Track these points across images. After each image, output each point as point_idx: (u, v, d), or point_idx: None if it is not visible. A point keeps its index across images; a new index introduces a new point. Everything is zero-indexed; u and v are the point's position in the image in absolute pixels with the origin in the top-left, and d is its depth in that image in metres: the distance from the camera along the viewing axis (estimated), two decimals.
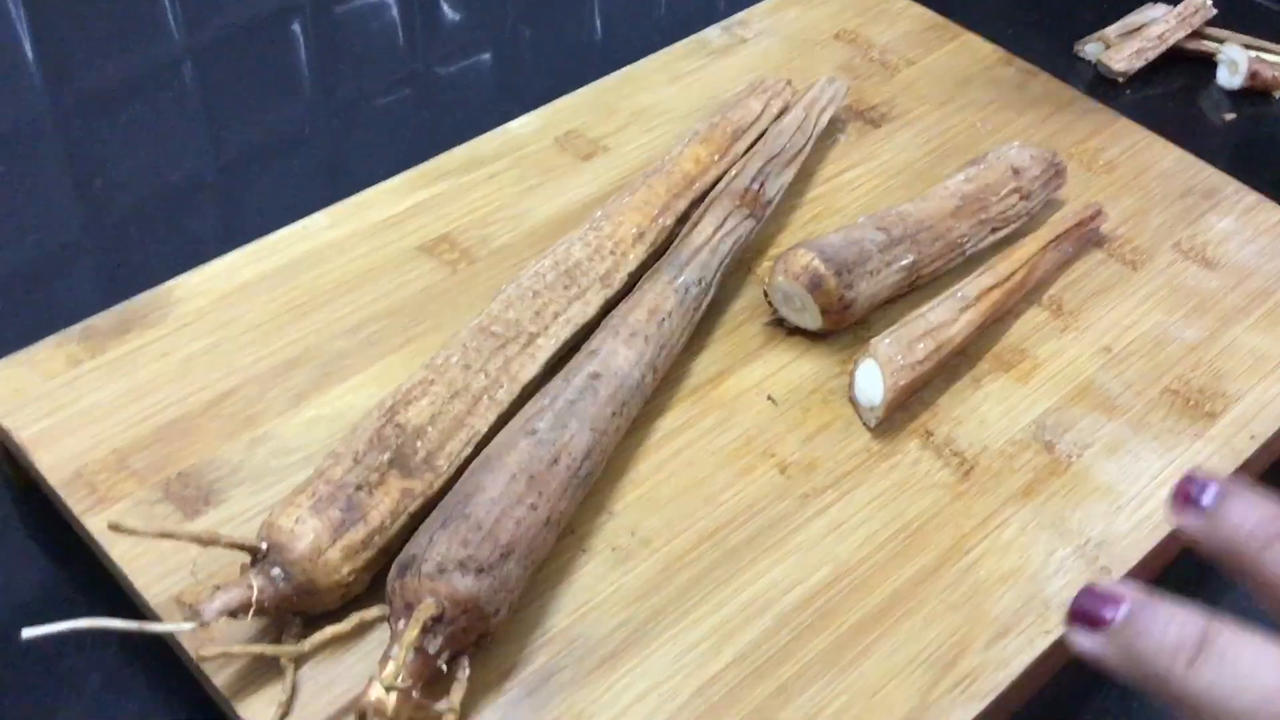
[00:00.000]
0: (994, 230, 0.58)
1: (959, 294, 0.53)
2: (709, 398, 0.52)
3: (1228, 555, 0.31)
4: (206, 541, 0.42)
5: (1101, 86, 0.74)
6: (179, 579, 0.44)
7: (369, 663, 0.42)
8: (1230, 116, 0.74)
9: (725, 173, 0.59)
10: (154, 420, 0.50)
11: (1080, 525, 0.48)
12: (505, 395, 0.49)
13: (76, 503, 0.47)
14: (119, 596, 0.46)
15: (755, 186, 0.56)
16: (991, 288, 0.54)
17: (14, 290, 0.60)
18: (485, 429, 0.47)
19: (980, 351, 0.54)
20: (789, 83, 0.64)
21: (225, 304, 0.54)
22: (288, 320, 0.54)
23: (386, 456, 0.45)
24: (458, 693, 0.40)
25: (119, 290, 0.55)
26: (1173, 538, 0.48)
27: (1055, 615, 0.45)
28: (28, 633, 0.37)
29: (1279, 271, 0.59)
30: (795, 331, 0.54)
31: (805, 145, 0.60)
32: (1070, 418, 0.52)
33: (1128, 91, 0.75)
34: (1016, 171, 0.58)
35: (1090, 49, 0.76)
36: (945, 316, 0.52)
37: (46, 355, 0.52)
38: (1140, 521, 0.48)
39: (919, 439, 0.51)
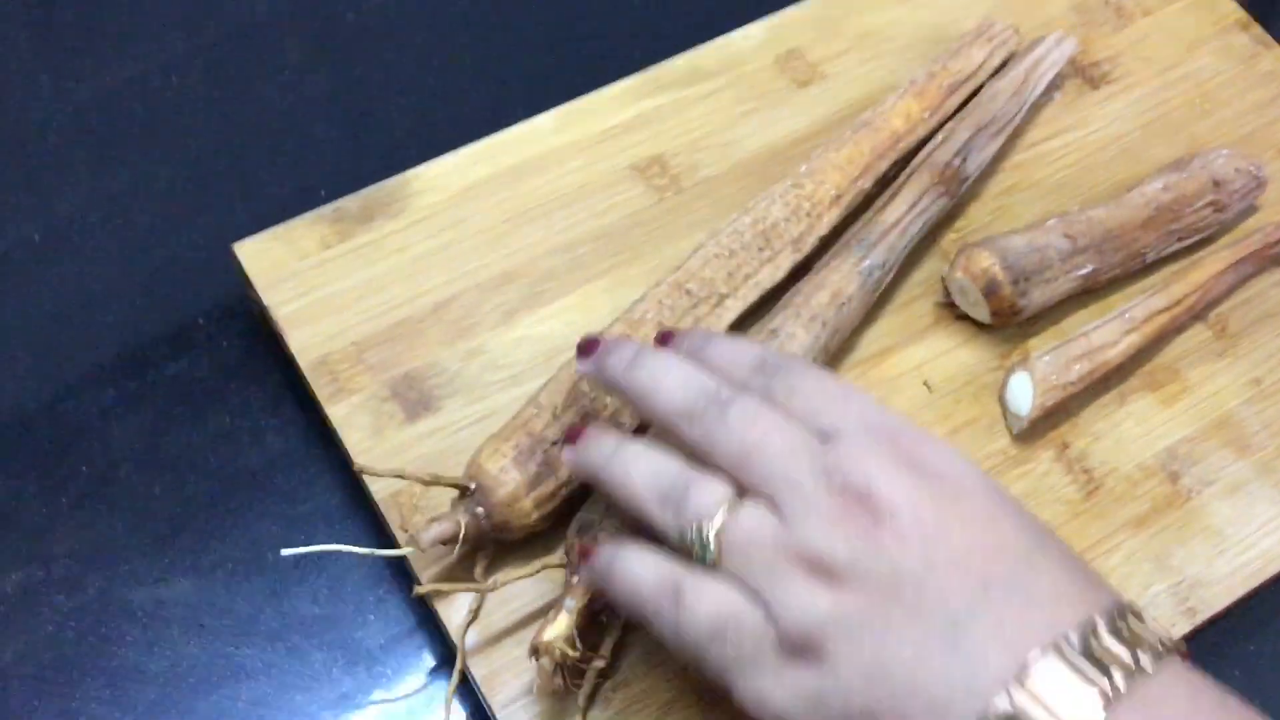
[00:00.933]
0: (1180, 239, 0.59)
1: (1126, 314, 0.56)
2: (870, 375, 0.57)
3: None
4: (429, 482, 0.50)
5: None
6: (398, 483, 0.53)
7: (544, 586, 0.51)
8: None
9: (932, 134, 0.61)
10: (388, 317, 0.57)
11: (1181, 563, 0.53)
12: None
13: (321, 389, 0.55)
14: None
15: (956, 162, 0.59)
16: (1161, 311, 0.57)
17: (267, 154, 0.66)
18: None
19: (1134, 365, 0.58)
20: (1016, 30, 0.64)
21: (456, 202, 0.60)
22: (508, 230, 0.59)
23: (580, 414, 0.52)
24: (608, 643, 0.49)
25: (362, 151, 0.61)
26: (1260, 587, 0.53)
27: None
28: (286, 551, 0.47)
29: None
30: (964, 317, 0.58)
31: (1017, 114, 0.62)
32: (1202, 450, 0.56)
33: None
34: (1218, 184, 0.59)
35: None
36: (1108, 338, 0.56)
37: (302, 233, 0.59)
38: (1238, 568, 0.53)
39: (1054, 450, 0.55)
